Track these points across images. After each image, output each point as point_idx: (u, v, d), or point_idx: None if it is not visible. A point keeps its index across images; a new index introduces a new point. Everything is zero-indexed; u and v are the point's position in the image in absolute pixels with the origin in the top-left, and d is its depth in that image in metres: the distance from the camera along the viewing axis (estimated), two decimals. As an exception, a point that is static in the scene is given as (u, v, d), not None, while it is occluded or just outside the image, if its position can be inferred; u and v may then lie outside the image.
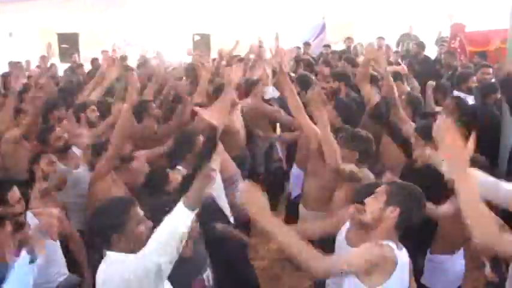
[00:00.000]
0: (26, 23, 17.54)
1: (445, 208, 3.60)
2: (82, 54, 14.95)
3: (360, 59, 10.67)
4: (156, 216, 2.56)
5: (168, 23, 18.47)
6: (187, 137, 4.52)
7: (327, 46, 12.70)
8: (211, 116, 3.86)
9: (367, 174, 3.90)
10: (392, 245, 2.66)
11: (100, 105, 5.91)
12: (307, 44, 12.34)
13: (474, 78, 6.56)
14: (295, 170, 5.69)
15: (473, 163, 3.45)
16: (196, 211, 2.50)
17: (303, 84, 6.36)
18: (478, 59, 9.06)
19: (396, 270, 2.60)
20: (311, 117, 4.40)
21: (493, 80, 6.75)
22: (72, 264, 3.94)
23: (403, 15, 17.20)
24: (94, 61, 11.19)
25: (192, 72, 7.75)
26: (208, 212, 3.17)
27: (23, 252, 2.71)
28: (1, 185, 3.48)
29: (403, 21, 15.96)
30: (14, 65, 11.54)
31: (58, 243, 3.58)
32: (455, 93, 6.53)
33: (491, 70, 6.99)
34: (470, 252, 4.05)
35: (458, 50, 10.40)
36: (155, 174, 4.04)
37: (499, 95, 5.82)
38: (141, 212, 2.68)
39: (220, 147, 4.76)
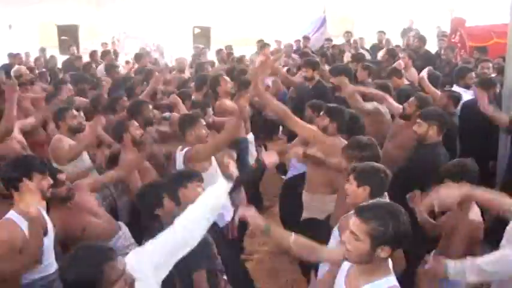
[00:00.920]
0: (26, 15, 17.51)
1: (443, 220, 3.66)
2: (82, 46, 14.90)
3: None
4: None
5: (168, 15, 18.45)
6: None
7: (329, 40, 12.68)
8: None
9: None
10: (393, 278, 2.46)
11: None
12: (306, 38, 12.32)
13: (473, 74, 6.55)
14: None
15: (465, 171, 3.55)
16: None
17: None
18: (478, 53, 9.05)
19: None
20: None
21: (492, 75, 6.75)
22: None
23: (404, 9, 17.19)
24: (93, 54, 11.15)
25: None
26: None
27: None
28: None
29: (404, 16, 15.95)
30: (14, 57, 11.58)
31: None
32: (455, 88, 6.53)
33: (490, 65, 6.99)
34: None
35: (459, 44, 10.40)
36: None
37: (497, 90, 5.82)
38: (120, 268, 2.26)
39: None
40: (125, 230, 4.21)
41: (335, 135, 4.60)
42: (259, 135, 7.47)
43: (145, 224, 3.63)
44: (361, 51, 11.40)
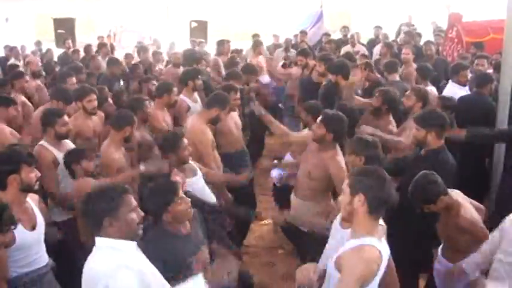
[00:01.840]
0: (22, 8, 17.43)
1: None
2: (78, 39, 14.85)
3: (357, 48, 10.76)
4: None
5: (165, 9, 18.39)
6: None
7: (327, 34, 12.68)
8: None
9: None
10: (372, 239, 2.68)
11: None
12: (303, 32, 12.30)
13: (467, 71, 6.55)
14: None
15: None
16: None
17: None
18: (474, 49, 9.05)
19: (381, 265, 2.67)
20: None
21: (489, 71, 6.75)
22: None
23: (401, 4, 17.19)
24: (87, 47, 11.05)
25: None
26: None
27: None
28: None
29: (401, 11, 15.95)
30: (10, 50, 11.55)
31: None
32: (450, 84, 6.54)
33: (485, 61, 7.00)
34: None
35: (456, 40, 10.40)
36: None
37: (492, 86, 5.83)
38: (134, 201, 2.70)
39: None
40: None
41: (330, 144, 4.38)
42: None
43: None
44: (358, 46, 11.41)
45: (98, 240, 2.64)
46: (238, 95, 5.90)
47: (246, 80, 7.17)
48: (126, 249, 2.65)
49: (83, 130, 5.36)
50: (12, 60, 10.83)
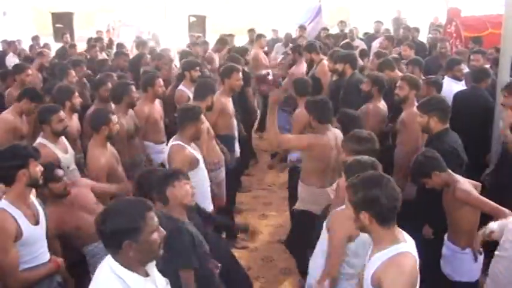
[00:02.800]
0: (20, 2, 17.37)
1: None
2: (76, 34, 14.82)
3: (356, 43, 10.75)
4: None
5: (164, 3, 18.35)
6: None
7: (325, 29, 12.68)
8: None
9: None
10: (400, 245, 2.61)
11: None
12: (302, 27, 12.29)
13: (461, 65, 6.54)
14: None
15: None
16: None
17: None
18: (473, 44, 9.06)
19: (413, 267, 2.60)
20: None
21: (486, 66, 6.76)
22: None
23: (400, -1, 17.14)
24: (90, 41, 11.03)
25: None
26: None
27: None
28: None
29: (399, 5, 15.93)
30: (8, 44, 11.52)
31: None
32: (446, 79, 6.54)
33: (481, 56, 7.01)
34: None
35: (454, 34, 10.41)
36: None
37: (489, 81, 5.85)
38: (156, 219, 2.42)
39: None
40: None
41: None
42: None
43: None
44: (357, 41, 11.41)
45: (112, 263, 2.36)
46: (241, 75, 6.02)
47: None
48: (134, 285, 2.37)
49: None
50: (10, 55, 10.82)
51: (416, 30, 11.18)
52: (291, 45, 10.64)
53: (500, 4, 5.60)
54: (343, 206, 2.91)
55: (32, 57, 9.30)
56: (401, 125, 5.24)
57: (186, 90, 6.34)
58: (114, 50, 10.79)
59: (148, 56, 8.73)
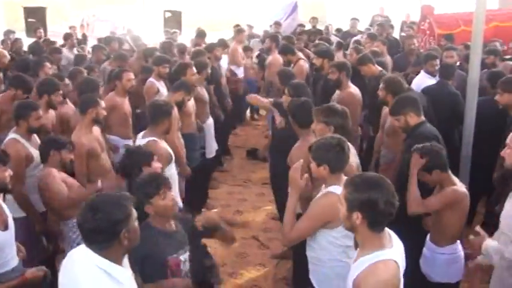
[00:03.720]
0: (-9, -5, 17.05)
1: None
2: (49, 29, 14.56)
3: (332, 39, 10.79)
4: None
5: (140, -1, 18.21)
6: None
7: (301, 25, 12.68)
8: None
9: None
10: (384, 252, 2.51)
11: None
12: (277, 23, 12.30)
13: (435, 61, 6.64)
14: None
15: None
16: None
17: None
18: (444, 41, 9.19)
19: (400, 275, 2.54)
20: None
21: (457, 63, 6.88)
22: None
23: (374, -5, 17.26)
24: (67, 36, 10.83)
25: None
26: None
27: None
28: None
29: (374, 2, 16.05)
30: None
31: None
32: (422, 74, 6.65)
33: (454, 53, 7.12)
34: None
35: (428, 32, 10.53)
36: None
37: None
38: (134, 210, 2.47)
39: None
40: None
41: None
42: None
43: None
44: (333, 37, 11.46)
45: (98, 260, 2.34)
46: (194, 70, 6.13)
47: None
48: (122, 279, 2.40)
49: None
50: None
51: (391, 27, 11.31)
52: (267, 40, 10.63)
53: (472, 2, 5.67)
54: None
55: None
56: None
57: (155, 82, 6.47)
58: (88, 46, 10.67)
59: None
